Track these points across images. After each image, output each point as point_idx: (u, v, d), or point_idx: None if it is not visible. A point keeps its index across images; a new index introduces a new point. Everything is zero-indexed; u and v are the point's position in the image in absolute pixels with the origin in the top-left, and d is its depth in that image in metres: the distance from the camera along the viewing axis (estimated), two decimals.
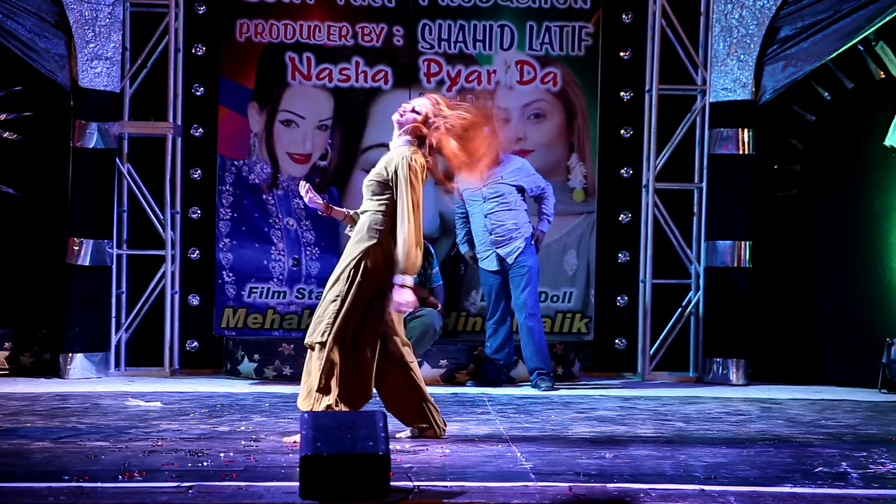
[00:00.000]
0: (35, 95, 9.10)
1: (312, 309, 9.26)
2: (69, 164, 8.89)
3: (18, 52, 8.70)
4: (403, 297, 5.77)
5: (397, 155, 5.95)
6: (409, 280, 5.80)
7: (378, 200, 5.96)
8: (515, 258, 8.43)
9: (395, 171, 5.90)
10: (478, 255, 8.57)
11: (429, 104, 6.00)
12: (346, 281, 5.85)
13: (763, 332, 9.30)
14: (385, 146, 9.32)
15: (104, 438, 5.91)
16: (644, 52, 9.35)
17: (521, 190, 8.47)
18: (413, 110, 6.00)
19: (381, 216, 5.94)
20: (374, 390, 5.96)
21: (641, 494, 4.71)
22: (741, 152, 9.04)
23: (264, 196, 9.31)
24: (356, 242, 5.93)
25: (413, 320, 8.52)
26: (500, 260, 8.45)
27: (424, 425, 6.00)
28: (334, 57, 9.31)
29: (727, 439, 6.20)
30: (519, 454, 5.62)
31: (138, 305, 9.21)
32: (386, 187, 5.94)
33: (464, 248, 8.73)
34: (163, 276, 9.18)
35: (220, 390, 8.23)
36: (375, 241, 5.90)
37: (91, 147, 8.84)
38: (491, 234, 8.43)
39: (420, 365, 8.60)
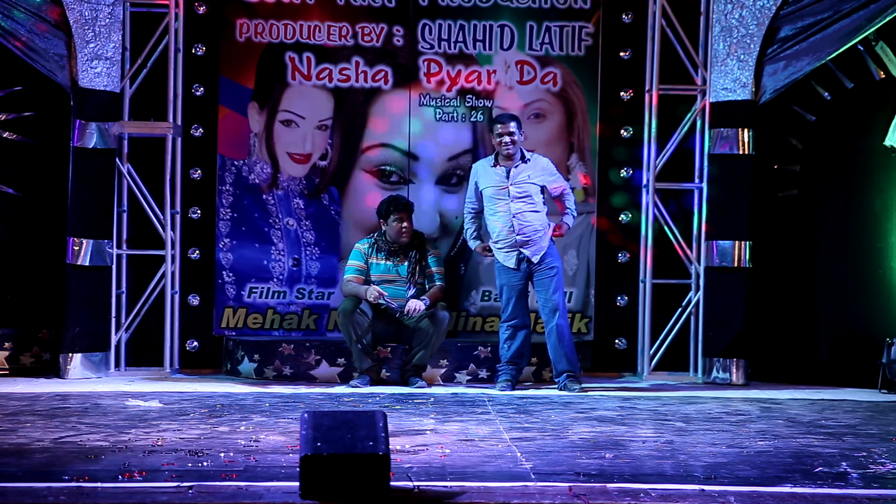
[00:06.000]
0: (35, 95, 9.10)
1: (312, 309, 9.30)
2: (69, 164, 8.89)
3: (18, 52, 8.70)
4: None
5: None
6: None
7: None
8: (542, 259, 8.39)
9: None
10: (496, 253, 8.49)
11: None
12: None
13: (763, 332, 9.29)
14: (385, 146, 9.44)
15: (104, 438, 5.91)
16: (644, 52, 9.34)
17: (543, 189, 8.45)
18: None
19: None
20: None
21: (641, 494, 4.71)
22: (741, 152, 9.04)
23: (264, 196, 9.31)
24: None
25: (421, 321, 8.52)
26: (521, 260, 8.42)
27: None
28: (334, 57, 9.31)
29: (727, 439, 6.21)
30: (519, 454, 5.62)
31: (138, 305, 9.20)
32: None
33: (475, 244, 8.64)
34: (163, 276, 9.17)
35: (220, 390, 8.23)
36: None
37: (91, 147, 8.84)
38: (518, 235, 8.36)
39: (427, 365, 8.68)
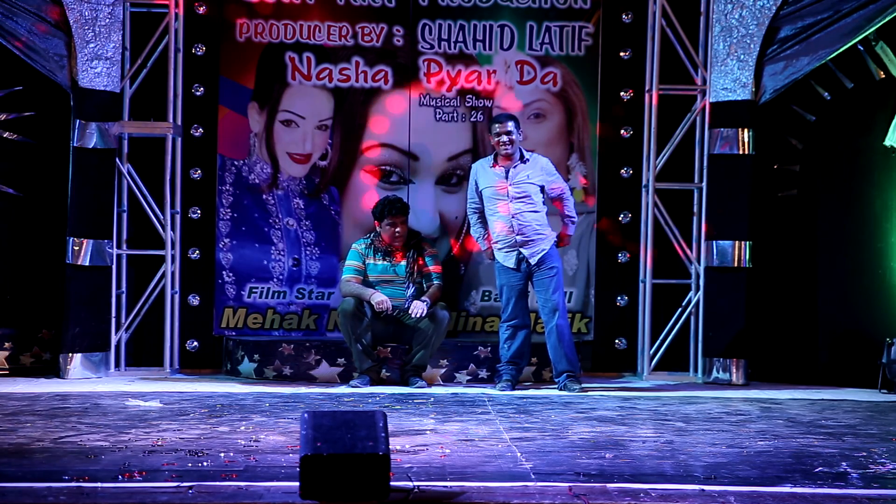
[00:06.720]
0: (35, 95, 9.10)
1: (312, 309, 9.30)
2: (69, 164, 8.89)
3: (18, 52, 8.70)
4: None
5: None
6: None
7: None
8: (541, 259, 8.38)
9: None
10: (496, 253, 8.49)
11: None
12: None
13: (763, 332, 9.29)
14: (385, 146, 9.43)
15: (104, 438, 5.91)
16: (644, 52, 9.34)
17: (542, 189, 8.44)
18: None
19: None
20: None
21: (641, 494, 4.71)
22: (741, 152, 9.04)
23: (264, 196, 9.31)
24: None
25: (421, 321, 8.52)
26: (520, 260, 8.41)
27: None
28: (334, 57, 9.31)
29: (727, 439, 6.21)
30: (519, 454, 5.62)
31: (138, 305, 9.20)
32: None
33: (485, 245, 8.63)
34: (163, 276, 9.18)
35: (220, 390, 8.23)
36: None
37: (91, 147, 8.84)
38: (517, 235, 8.36)
39: (427, 365, 8.68)
